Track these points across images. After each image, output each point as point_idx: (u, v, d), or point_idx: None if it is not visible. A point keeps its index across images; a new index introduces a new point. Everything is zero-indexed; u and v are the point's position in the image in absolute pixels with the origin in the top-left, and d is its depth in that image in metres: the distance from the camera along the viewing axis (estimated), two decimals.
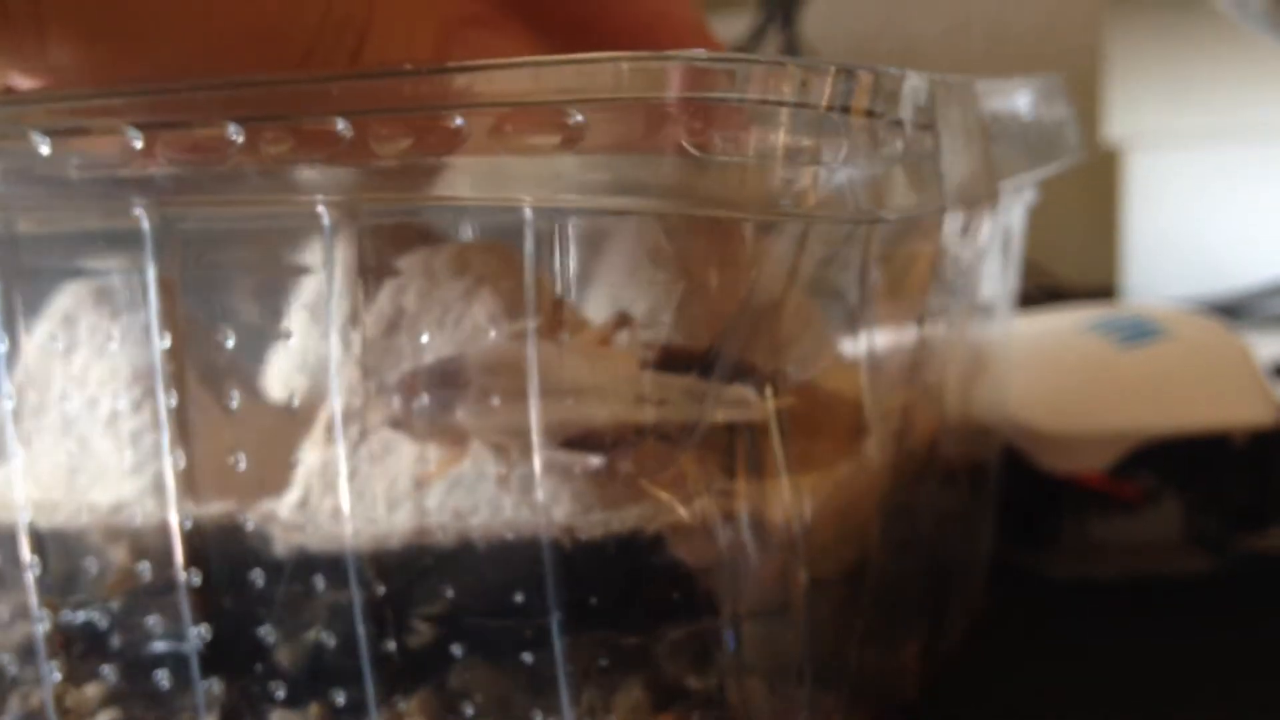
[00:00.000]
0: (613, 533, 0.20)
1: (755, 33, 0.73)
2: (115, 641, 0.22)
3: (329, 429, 0.21)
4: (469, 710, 0.21)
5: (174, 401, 0.21)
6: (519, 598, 0.20)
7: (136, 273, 0.21)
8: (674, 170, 0.17)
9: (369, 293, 0.21)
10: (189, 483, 0.21)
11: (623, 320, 0.21)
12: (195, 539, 0.21)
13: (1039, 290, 0.64)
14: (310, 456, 0.21)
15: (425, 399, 0.20)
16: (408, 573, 0.21)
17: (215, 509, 0.21)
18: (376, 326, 0.21)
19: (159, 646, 0.22)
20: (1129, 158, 0.69)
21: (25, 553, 0.22)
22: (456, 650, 0.21)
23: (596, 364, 0.20)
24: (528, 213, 0.19)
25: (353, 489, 0.21)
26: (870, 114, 0.17)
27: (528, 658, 0.20)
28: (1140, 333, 0.34)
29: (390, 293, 0.21)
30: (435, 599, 0.21)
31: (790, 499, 0.20)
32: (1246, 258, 0.63)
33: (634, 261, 0.20)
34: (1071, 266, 0.70)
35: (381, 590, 0.21)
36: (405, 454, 0.21)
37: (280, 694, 0.21)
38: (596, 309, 0.21)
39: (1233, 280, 0.62)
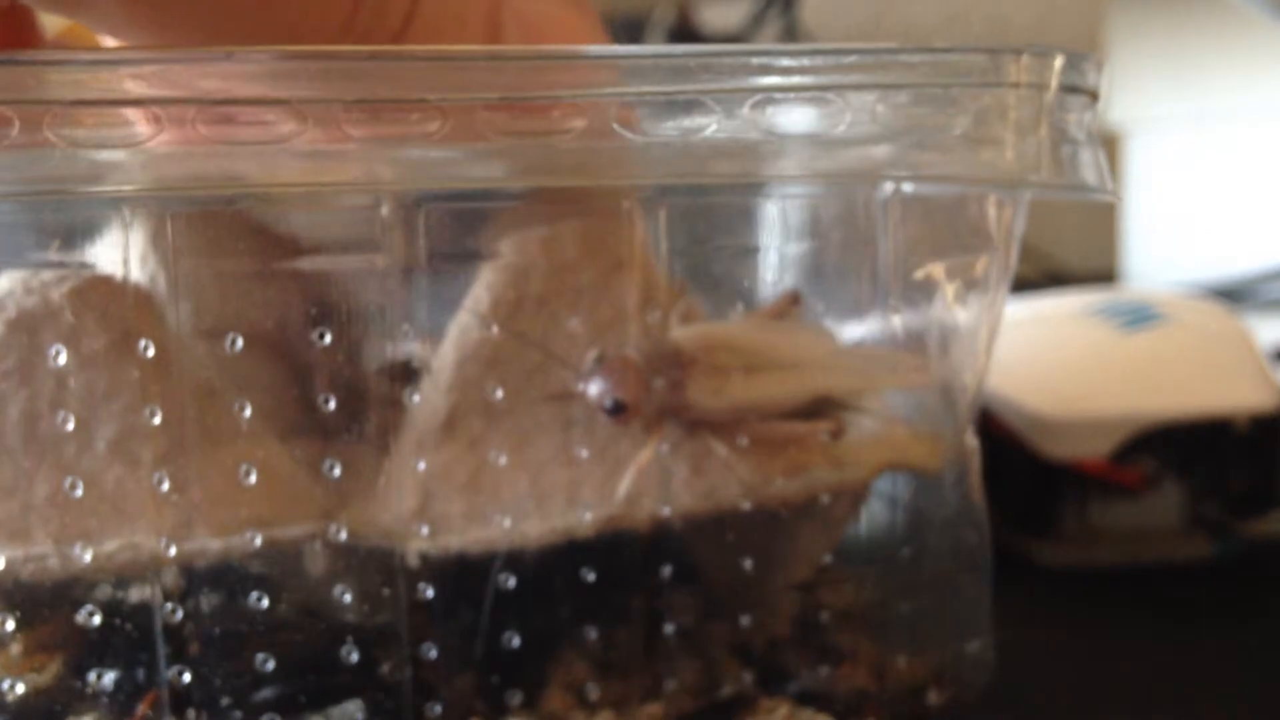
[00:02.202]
0: (817, 491, 0.21)
1: (755, 18, 0.72)
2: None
3: (449, 428, 0.20)
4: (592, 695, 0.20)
5: (247, 411, 0.19)
6: (728, 568, 0.21)
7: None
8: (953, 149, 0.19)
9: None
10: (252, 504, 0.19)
11: (794, 298, 0.21)
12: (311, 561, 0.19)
13: (1040, 275, 0.64)
14: (428, 459, 0.20)
15: (658, 381, 0.20)
16: (614, 560, 0.20)
17: (293, 532, 0.19)
18: (497, 314, 0.20)
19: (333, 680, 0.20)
20: (1129, 141, 0.69)
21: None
22: (669, 629, 0.20)
23: (812, 338, 0.21)
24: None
25: (488, 487, 0.20)
26: (1084, 93, 0.20)
27: (746, 621, 0.21)
28: (1141, 317, 0.34)
29: (508, 278, 0.20)
30: (653, 578, 0.20)
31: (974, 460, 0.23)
32: (1248, 242, 0.62)
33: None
34: (1072, 251, 0.70)
35: (586, 581, 0.20)
36: (545, 445, 0.20)
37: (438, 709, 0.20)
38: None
39: (1234, 264, 0.61)
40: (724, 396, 0.20)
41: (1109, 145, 0.69)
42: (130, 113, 0.16)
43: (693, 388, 0.20)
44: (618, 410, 0.20)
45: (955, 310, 0.22)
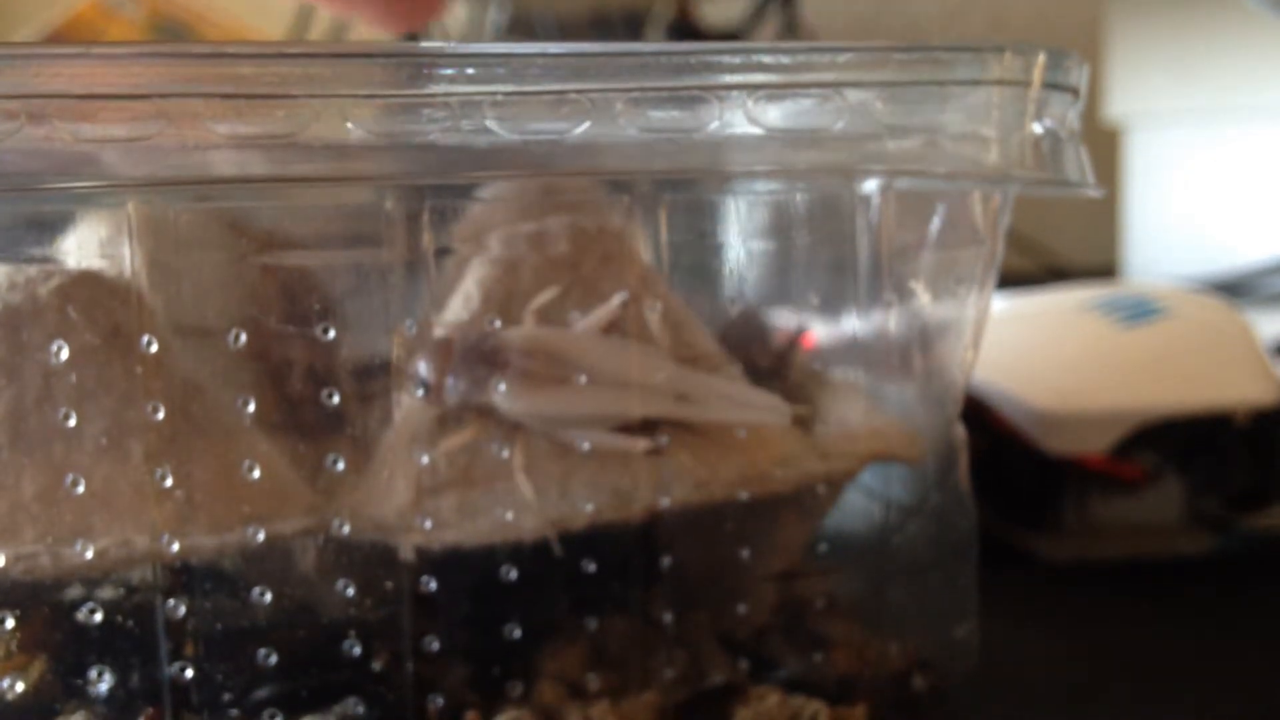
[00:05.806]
0: (805, 482, 0.21)
1: (755, 12, 0.72)
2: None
3: (441, 423, 0.20)
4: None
5: (251, 407, 0.19)
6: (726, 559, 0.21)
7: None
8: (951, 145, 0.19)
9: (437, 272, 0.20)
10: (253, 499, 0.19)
11: (797, 340, 0.22)
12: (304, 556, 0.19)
13: (1040, 270, 0.64)
14: (420, 455, 0.20)
15: (461, 374, 0.19)
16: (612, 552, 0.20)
17: (292, 527, 0.19)
18: (488, 306, 0.20)
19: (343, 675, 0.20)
20: (1130, 136, 0.69)
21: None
22: (660, 620, 0.21)
23: (644, 361, 0.20)
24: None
25: (480, 481, 0.20)
26: (1067, 90, 0.20)
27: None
28: (1142, 312, 0.34)
29: (498, 272, 0.20)
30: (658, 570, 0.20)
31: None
32: (1248, 236, 0.62)
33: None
34: (1073, 246, 0.70)
35: (591, 570, 0.20)
36: (536, 439, 0.20)
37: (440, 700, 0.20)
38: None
39: (1234, 258, 0.61)
40: (525, 403, 0.20)
41: (1110, 140, 0.69)
42: (135, 106, 0.16)
43: (497, 389, 0.20)
44: (423, 392, 0.19)
45: (944, 303, 0.22)
